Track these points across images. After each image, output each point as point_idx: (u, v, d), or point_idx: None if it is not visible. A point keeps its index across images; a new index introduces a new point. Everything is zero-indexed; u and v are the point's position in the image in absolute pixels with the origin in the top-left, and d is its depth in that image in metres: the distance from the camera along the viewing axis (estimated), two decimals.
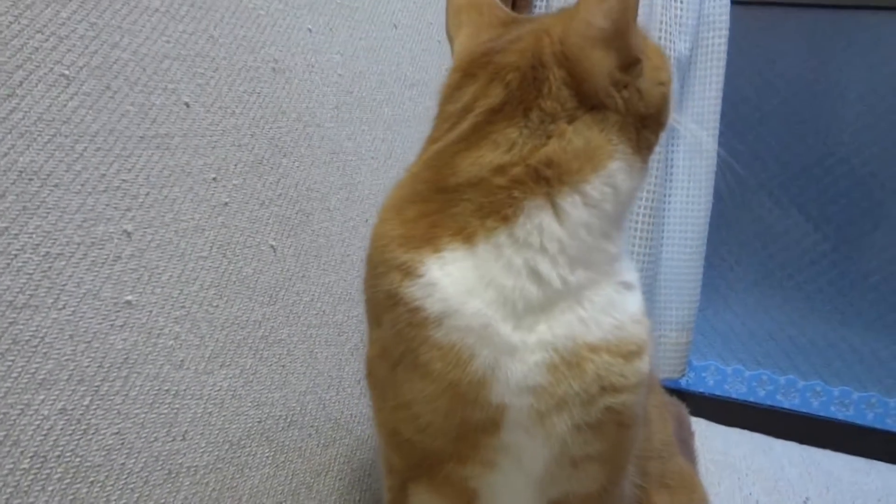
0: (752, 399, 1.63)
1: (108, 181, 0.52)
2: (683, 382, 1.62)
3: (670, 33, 1.31)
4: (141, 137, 0.55)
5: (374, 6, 0.88)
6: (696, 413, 1.13)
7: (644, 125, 0.49)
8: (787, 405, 1.61)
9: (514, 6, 1.28)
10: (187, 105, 0.59)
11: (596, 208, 0.46)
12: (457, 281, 0.45)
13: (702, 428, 1.16)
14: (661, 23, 1.30)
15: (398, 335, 0.47)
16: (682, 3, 1.33)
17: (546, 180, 0.45)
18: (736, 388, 1.64)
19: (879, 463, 1.16)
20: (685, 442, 0.99)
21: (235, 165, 0.63)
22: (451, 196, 0.47)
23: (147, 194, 0.55)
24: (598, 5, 0.45)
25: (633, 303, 0.50)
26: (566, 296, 0.47)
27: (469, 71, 0.50)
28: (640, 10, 1.28)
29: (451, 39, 0.57)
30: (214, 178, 0.61)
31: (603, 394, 0.47)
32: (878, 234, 1.52)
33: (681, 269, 1.39)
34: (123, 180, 0.53)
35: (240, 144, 0.64)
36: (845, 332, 1.56)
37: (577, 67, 0.46)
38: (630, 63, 0.47)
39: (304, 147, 0.72)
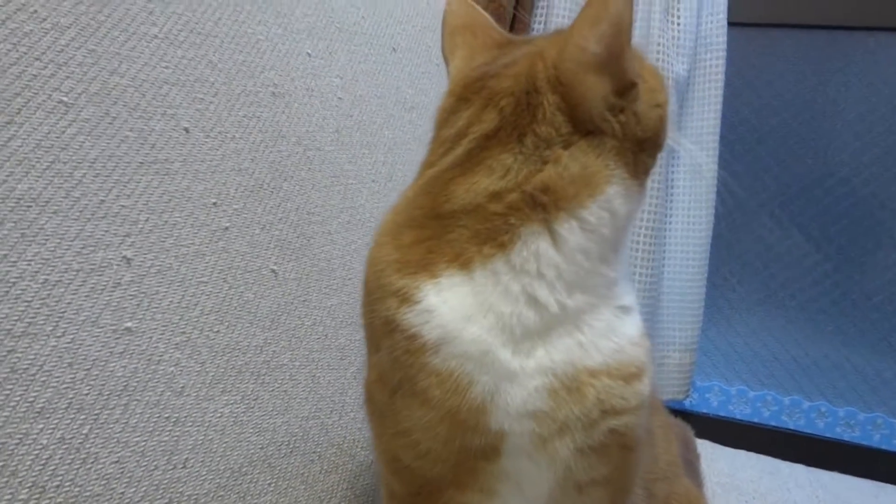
0: (756, 420, 1.62)
1: (108, 207, 0.52)
2: (687, 403, 1.61)
3: (668, 55, 1.32)
4: (140, 163, 0.55)
5: (373, 30, 0.89)
6: (701, 434, 1.11)
7: (641, 149, 0.49)
8: (792, 426, 1.60)
9: (511, 28, 1.29)
10: (187, 130, 0.59)
11: (594, 233, 0.46)
12: (454, 307, 0.45)
13: (707, 450, 1.15)
14: (659, 45, 1.31)
15: (396, 362, 0.46)
16: (679, 24, 1.34)
17: (542, 206, 0.45)
18: (740, 409, 1.63)
19: (887, 485, 1.14)
20: (691, 464, 0.98)
21: (236, 190, 0.63)
22: (447, 222, 0.46)
23: (147, 220, 0.55)
24: (590, 30, 0.44)
25: (631, 326, 0.50)
26: (564, 321, 0.46)
27: (463, 95, 0.50)
28: (637, 32, 1.29)
29: (446, 62, 0.57)
30: (215, 203, 0.61)
31: (605, 417, 0.47)
32: (879, 253, 1.52)
33: (683, 289, 1.39)
34: (123, 206, 0.53)
35: (240, 169, 0.64)
36: (849, 353, 1.56)
37: (571, 93, 0.46)
38: (625, 87, 0.47)
39: (304, 171, 0.72)
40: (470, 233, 0.46)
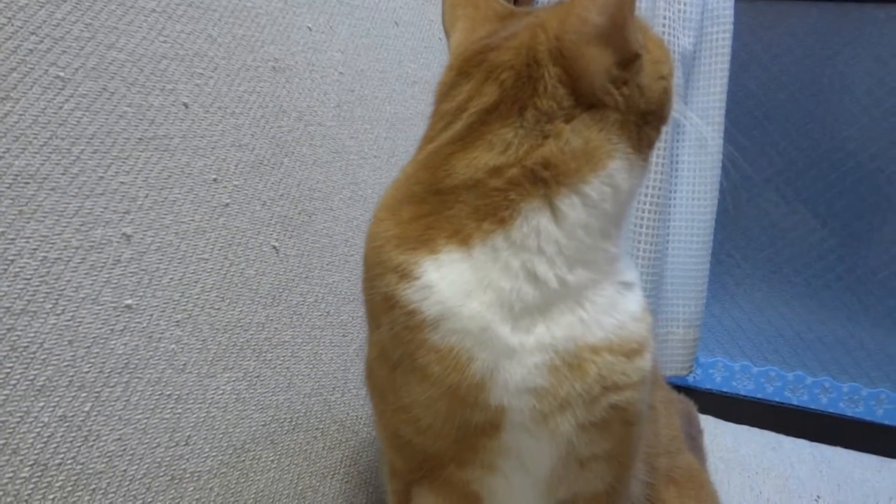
0: (760, 396, 1.62)
1: (107, 184, 0.51)
2: (691, 379, 1.61)
3: (674, 28, 1.30)
4: (139, 139, 0.54)
5: (374, 4, 0.88)
6: (704, 410, 1.12)
7: (645, 121, 0.48)
8: (795, 402, 1.60)
9: (516, 2, 1.28)
10: (186, 105, 0.59)
11: (595, 209, 0.45)
12: (453, 283, 0.45)
13: (710, 425, 1.15)
14: (665, 18, 1.29)
15: (396, 338, 0.46)
16: None
17: (543, 181, 0.44)
18: (744, 385, 1.63)
19: (891, 460, 1.14)
20: (694, 439, 0.98)
21: (236, 166, 0.63)
22: (447, 198, 0.46)
23: (146, 196, 0.54)
24: (593, 1, 0.44)
25: (633, 301, 0.49)
26: (565, 297, 0.46)
27: (463, 69, 0.49)
28: (643, 5, 1.28)
29: (447, 34, 0.56)
30: (215, 179, 0.60)
31: (606, 393, 0.46)
32: (886, 229, 1.51)
33: (688, 265, 1.38)
34: (122, 183, 0.52)
35: (240, 145, 0.63)
36: (854, 328, 1.55)
37: (573, 65, 0.45)
38: (629, 59, 0.46)
39: (305, 146, 0.71)
40: (469, 208, 0.45)
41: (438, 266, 0.45)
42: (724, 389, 1.64)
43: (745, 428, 1.21)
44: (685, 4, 1.32)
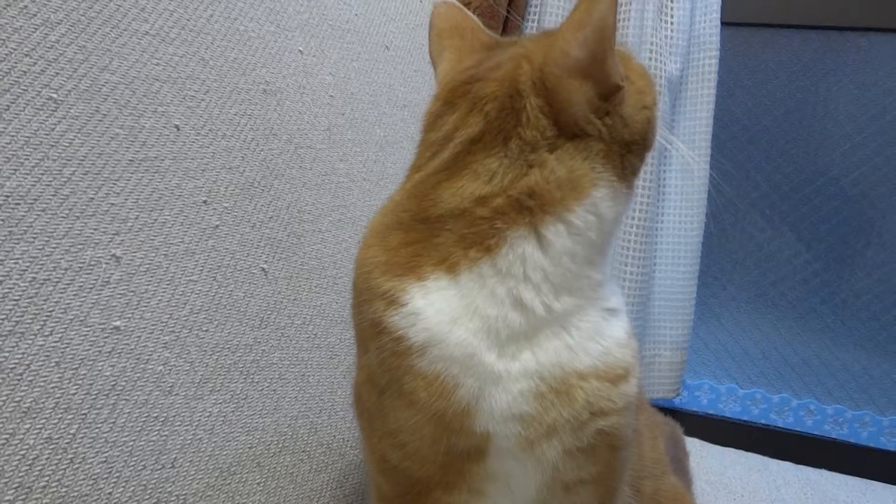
0: (745, 418, 1.62)
1: (97, 205, 0.52)
2: (677, 402, 1.62)
3: (661, 54, 1.32)
4: (130, 161, 0.55)
5: (365, 28, 0.89)
6: (691, 433, 1.12)
7: (629, 150, 0.49)
8: (780, 424, 1.60)
9: (503, 31, 1.29)
10: (177, 128, 0.59)
11: (580, 237, 0.46)
12: (440, 310, 0.45)
13: (696, 448, 1.15)
14: (652, 44, 1.31)
15: (383, 363, 0.46)
16: (672, 24, 1.34)
17: (529, 210, 0.45)
18: (730, 407, 1.64)
19: (875, 482, 1.15)
20: (680, 462, 0.98)
21: (226, 188, 0.63)
22: (434, 226, 0.46)
23: (136, 218, 0.54)
24: (573, 34, 0.45)
25: (618, 327, 0.50)
26: (551, 323, 0.46)
27: (450, 99, 0.50)
28: (631, 32, 1.29)
29: (434, 64, 0.57)
30: (205, 201, 0.61)
31: (593, 418, 0.47)
32: (868, 252, 1.53)
33: (674, 288, 1.39)
34: (112, 204, 0.53)
35: (231, 167, 0.64)
36: (838, 351, 1.56)
37: (554, 97, 0.46)
38: (610, 91, 0.47)
39: (295, 169, 0.72)
40: (456, 237, 0.46)
41: (425, 293, 0.45)
42: (711, 412, 1.64)
43: (730, 450, 1.22)
44: (672, 31, 1.34)
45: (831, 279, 1.55)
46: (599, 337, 0.48)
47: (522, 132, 0.46)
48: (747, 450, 1.22)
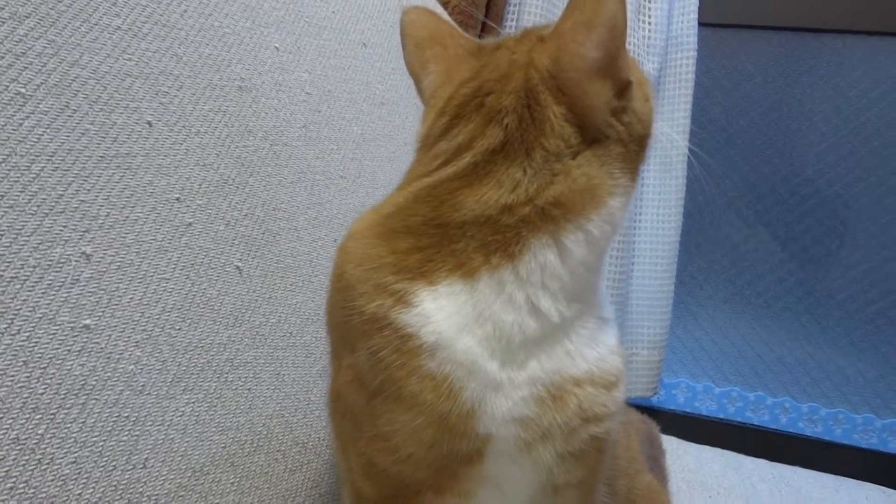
0: (722, 416, 1.64)
1: (67, 202, 0.51)
2: (655, 400, 1.63)
3: (639, 54, 1.33)
4: (101, 157, 0.54)
5: (342, 25, 0.88)
6: (667, 431, 1.13)
7: (641, 146, 0.49)
8: (756, 422, 1.62)
9: (480, 36, 1.29)
10: (150, 124, 0.58)
11: (595, 245, 0.47)
12: (450, 315, 0.45)
13: (673, 446, 1.16)
14: (630, 44, 1.31)
15: (379, 363, 0.46)
16: (650, 24, 1.34)
17: (553, 219, 0.45)
18: (706, 406, 1.65)
19: (848, 479, 1.16)
20: (657, 460, 0.99)
21: (200, 185, 0.62)
22: (453, 232, 0.46)
23: (107, 215, 0.54)
24: (587, 35, 0.44)
25: (611, 335, 0.51)
26: (559, 329, 0.47)
27: (459, 113, 0.49)
28: None
29: (414, 77, 0.56)
30: (178, 199, 0.60)
31: (586, 424, 0.48)
32: (843, 252, 1.55)
33: (652, 288, 1.40)
34: (82, 201, 0.52)
35: (204, 164, 0.63)
36: (812, 349, 1.58)
37: (576, 102, 0.46)
38: (623, 87, 0.47)
39: (270, 166, 0.71)
40: (478, 243, 0.45)
41: (435, 297, 0.45)
42: (687, 410, 1.66)
43: (706, 448, 1.23)
44: (650, 31, 1.35)
45: (806, 278, 1.57)
46: (595, 343, 0.49)
47: (546, 142, 0.46)
48: (723, 447, 1.23)
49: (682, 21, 1.37)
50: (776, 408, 1.61)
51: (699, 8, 1.37)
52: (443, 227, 0.46)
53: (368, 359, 0.46)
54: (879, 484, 1.15)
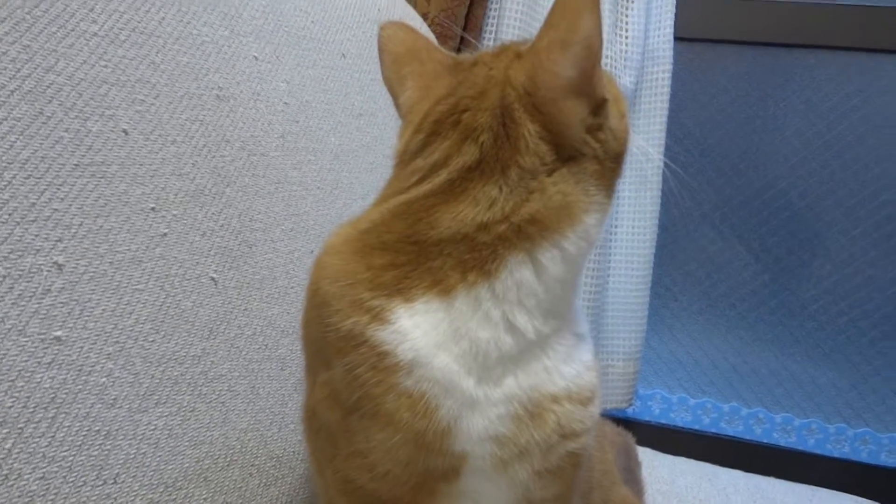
0: (697, 427, 1.65)
1: (39, 210, 0.50)
2: (630, 411, 1.63)
3: (616, 68, 1.34)
4: (75, 165, 0.53)
5: (322, 35, 0.88)
6: (643, 442, 1.13)
7: (617, 162, 0.50)
8: (731, 433, 1.63)
9: (458, 50, 1.29)
10: (125, 132, 0.58)
11: (571, 262, 0.47)
12: (427, 332, 0.45)
13: (648, 457, 1.16)
14: (607, 57, 1.32)
15: (356, 380, 0.45)
16: (627, 38, 1.36)
17: (529, 237, 0.45)
18: (681, 417, 1.66)
19: (821, 489, 1.17)
20: (632, 472, 0.99)
21: (175, 195, 0.61)
22: (429, 250, 0.46)
23: (80, 224, 0.53)
24: (561, 54, 0.44)
25: (586, 351, 0.51)
26: (535, 346, 0.47)
27: (435, 130, 0.49)
28: None
29: (392, 92, 0.56)
30: (153, 208, 0.59)
31: (564, 441, 0.48)
32: (815, 264, 1.57)
33: (628, 299, 1.41)
34: (55, 210, 0.51)
35: (181, 173, 0.62)
36: (786, 360, 1.60)
37: (551, 120, 0.46)
38: (599, 105, 0.47)
39: (247, 176, 0.70)
40: (454, 261, 0.45)
41: (412, 314, 0.45)
42: (663, 421, 1.66)
43: (681, 459, 1.23)
44: (627, 44, 1.36)
45: (779, 290, 1.59)
46: (572, 360, 0.49)
47: (521, 160, 0.46)
48: (698, 458, 1.24)
49: (658, 35, 1.38)
50: (750, 418, 1.62)
51: (675, 23, 1.39)
52: (419, 245, 0.46)
53: (344, 376, 0.46)
54: (852, 493, 1.16)
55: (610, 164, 0.48)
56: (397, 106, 0.55)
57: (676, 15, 1.39)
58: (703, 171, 1.60)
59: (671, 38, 1.38)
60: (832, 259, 1.55)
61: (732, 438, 1.63)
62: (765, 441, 1.61)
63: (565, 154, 0.46)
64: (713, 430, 1.64)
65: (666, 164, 1.25)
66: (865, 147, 1.51)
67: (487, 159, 0.46)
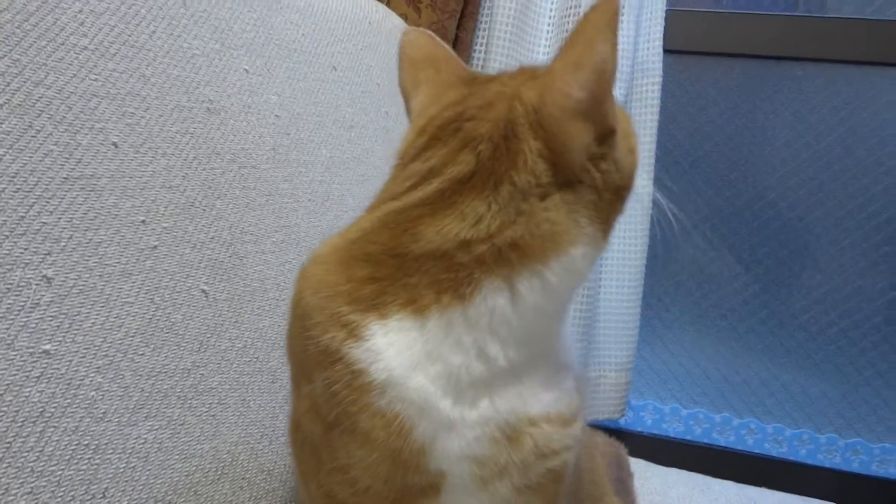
0: (689, 437, 1.65)
1: (28, 224, 0.50)
2: (622, 422, 1.63)
3: None
4: (65, 178, 0.53)
5: (312, 48, 0.88)
6: (635, 453, 1.13)
7: (618, 197, 0.49)
8: (722, 443, 1.63)
9: (453, 48, 1.30)
10: (116, 145, 0.58)
11: (552, 293, 0.45)
12: (401, 352, 0.44)
13: (640, 468, 1.16)
14: None
15: (333, 396, 0.45)
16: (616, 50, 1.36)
17: (508, 262, 0.44)
18: (673, 427, 1.66)
19: (812, 500, 1.18)
20: (624, 483, 0.99)
21: (166, 207, 0.61)
22: (408, 265, 0.45)
23: (70, 238, 0.53)
24: (573, 75, 0.43)
25: (568, 378, 0.51)
26: (510, 372, 0.46)
27: (437, 135, 0.48)
28: None
29: (405, 95, 0.55)
30: (143, 221, 0.59)
31: (543, 460, 0.47)
32: (805, 274, 1.57)
33: (619, 310, 1.41)
34: (44, 223, 0.51)
35: (171, 186, 0.62)
36: (776, 370, 1.60)
37: (554, 140, 0.44)
38: (606, 134, 0.46)
39: (238, 189, 0.71)
40: (430, 279, 0.44)
41: (386, 332, 0.44)
42: (655, 432, 1.66)
43: (674, 470, 1.23)
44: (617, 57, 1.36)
45: (770, 301, 1.60)
46: (551, 386, 0.48)
47: (516, 177, 0.44)
48: (690, 469, 1.24)
49: (648, 48, 1.39)
50: (742, 429, 1.62)
51: (664, 35, 1.40)
52: (400, 258, 0.45)
53: (324, 391, 0.46)
54: (842, 503, 1.16)
55: (609, 197, 0.47)
56: (408, 110, 0.55)
57: (665, 27, 1.40)
58: (693, 183, 1.61)
59: (660, 50, 1.39)
60: (822, 269, 1.56)
61: (724, 449, 1.63)
62: (756, 451, 1.61)
63: (562, 178, 0.45)
64: (705, 441, 1.64)
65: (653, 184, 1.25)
66: (853, 158, 1.52)
67: (482, 171, 0.45)
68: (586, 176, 0.46)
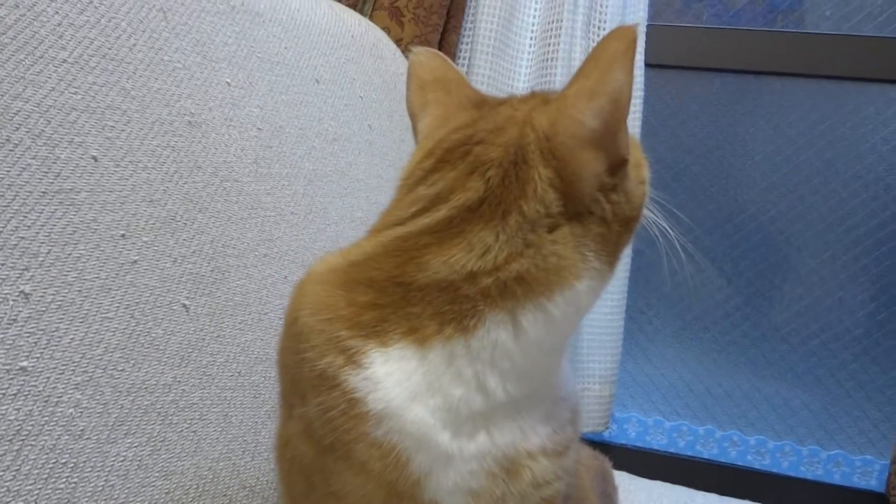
0: (672, 450, 1.65)
1: (5, 239, 0.49)
2: (606, 435, 1.63)
3: None
4: (43, 192, 0.52)
5: (295, 60, 0.88)
6: (619, 466, 1.13)
7: (627, 228, 0.48)
8: (706, 455, 1.64)
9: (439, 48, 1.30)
10: (95, 159, 0.57)
11: (555, 327, 0.45)
12: (400, 382, 0.44)
13: (625, 481, 1.16)
14: None
15: (329, 422, 0.44)
16: None
17: (513, 295, 0.43)
18: (657, 440, 1.66)
19: None
20: (609, 497, 0.98)
21: (146, 222, 0.61)
22: (412, 294, 0.44)
23: (48, 253, 0.52)
24: (587, 103, 0.43)
25: (566, 409, 0.50)
26: (509, 406, 0.46)
27: (445, 158, 0.47)
28: (559, 72, 1.32)
29: (413, 116, 0.55)
30: (123, 235, 0.58)
31: (539, 489, 0.47)
32: (786, 287, 1.59)
33: (603, 323, 1.41)
34: (22, 238, 0.50)
35: (151, 200, 0.62)
36: (759, 383, 1.61)
37: (565, 168, 0.44)
38: (618, 164, 0.45)
39: (220, 202, 0.70)
40: (434, 310, 0.44)
41: (386, 360, 0.44)
42: (639, 444, 1.66)
43: (658, 483, 1.23)
44: None
45: (751, 313, 1.61)
46: (549, 420, 0.48)
47: (525, 206, 0.44)
48: (674, 482, 1.24)
49: None
50: (725, 441, 1.63)
51: (645, 49, 1.41)
52: (404, 287, 0.44)
53: (318, 416, 0.45)
54: None
55: (617, 229, 0.46)
56: (415, 131, 0.54)
57: (647, 42, 1.41)
58: (675, 196, 1.62)
59: (642, 64, 1.40)
60: (803, 282, 1.57)
61: (708, 461, 1.63)
62: (739, 464, 1.62)
63: (572, 209, 0.44)
64: (689, 453, 1.64)
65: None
66: (833, 172, 1.54)
67: (490, 199, 0.44)
68: (596, 207, 0.45)
